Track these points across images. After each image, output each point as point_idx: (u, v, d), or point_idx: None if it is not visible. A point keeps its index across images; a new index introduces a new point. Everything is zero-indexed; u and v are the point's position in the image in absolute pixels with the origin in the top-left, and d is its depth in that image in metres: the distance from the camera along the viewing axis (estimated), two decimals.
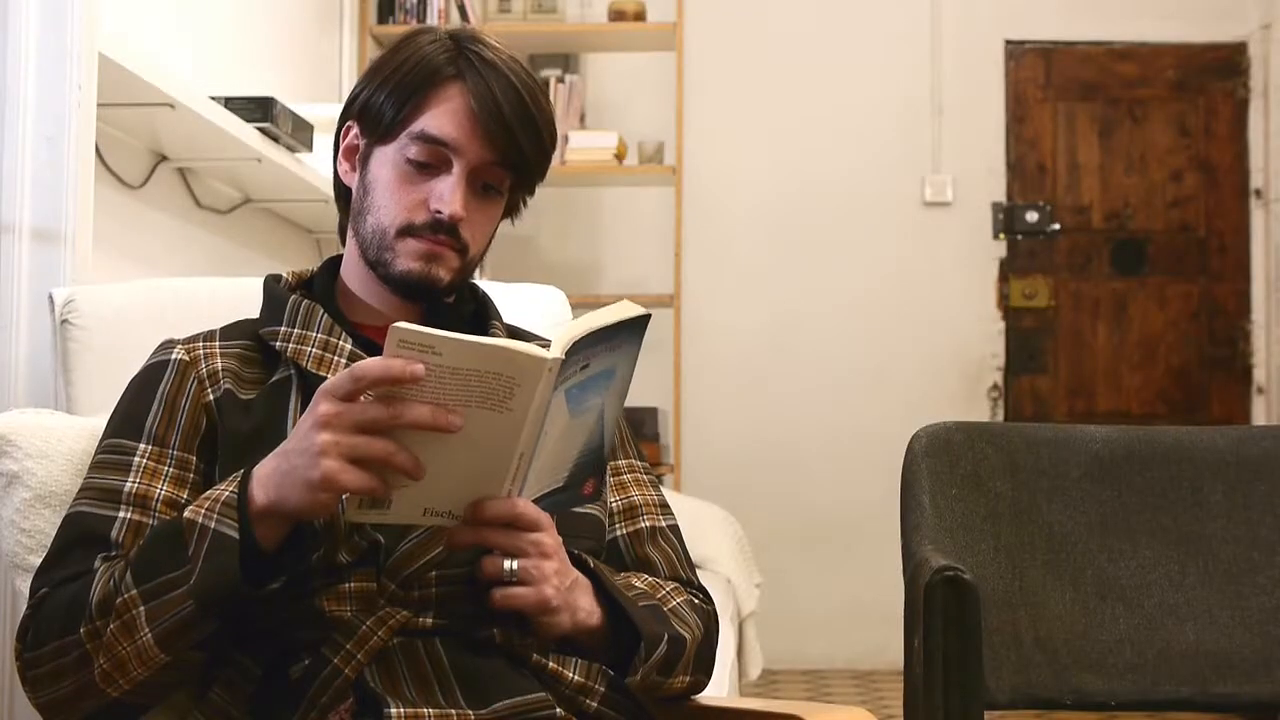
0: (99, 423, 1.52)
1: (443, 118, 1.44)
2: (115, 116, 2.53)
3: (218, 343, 1.49)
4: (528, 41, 5.04)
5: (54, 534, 1.42)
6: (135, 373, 1.50)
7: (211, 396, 1.44)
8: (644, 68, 5.36)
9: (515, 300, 1.80)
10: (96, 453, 1.45)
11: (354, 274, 1.53)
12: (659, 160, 4.98)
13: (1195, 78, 5.44)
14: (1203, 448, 1.91)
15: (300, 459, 1.24)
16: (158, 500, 1.39)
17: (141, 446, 1.42)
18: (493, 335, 1.49)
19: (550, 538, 1.35)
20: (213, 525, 1.27)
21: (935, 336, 5.39)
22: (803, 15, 5.48)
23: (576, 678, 1.39)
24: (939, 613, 1.67)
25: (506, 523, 1.31)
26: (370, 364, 1.21)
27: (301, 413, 1.34)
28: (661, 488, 1.63)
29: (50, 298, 1.81)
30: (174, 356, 1.47)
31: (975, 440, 1.88)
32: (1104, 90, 5.46)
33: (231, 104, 2.74)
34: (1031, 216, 5.40)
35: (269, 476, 1.27)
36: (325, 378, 1.37)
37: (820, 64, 5.46)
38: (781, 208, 5.45)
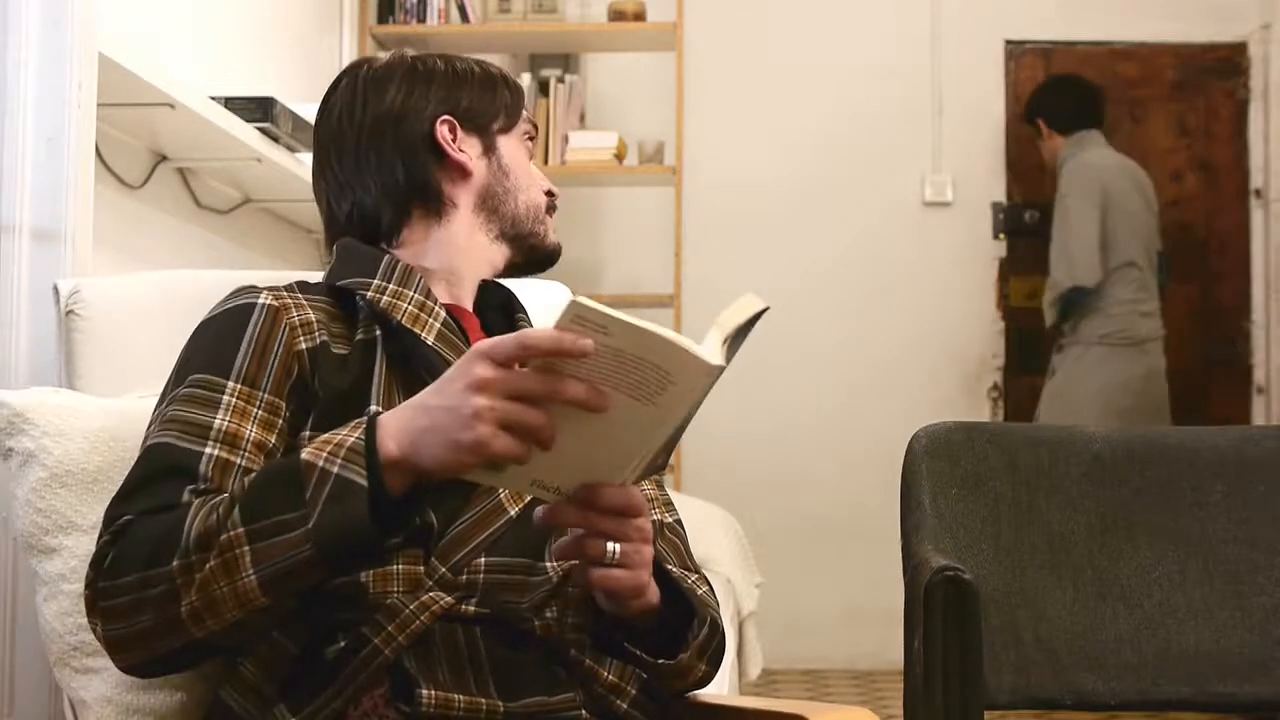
0: (118, 403, 1.51)
1: None
2: (115, 116, 2.53)
3: (302, 295, 1.47)
4: (528, 41, 5.04)
5: (77, 507, 1.42)
6: (210, 315, 1.46)
7: (304, 345, 1.42)
8: (644, 68, 5.36)
9: (518, 294, 1.79)
10: (177, 386, 1.40)
11: (457, 251, 1.55)
12: (659, 160, 4.98)
13: (1195, 78, 5.44)
14: (1203, 448, 1.91)
15: (450, 418, 1.19)
16: (248, 441, 1.36)
17: (231, 385, 1.38)
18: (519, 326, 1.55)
19: (648, 523, 1.33)
20: (335, 470, 1.22)
21: (935, 336, 5.39)
22: (803, 15, 5.48)
23: (611, 677, 1.40)
24: (939, 613, 1.67)
25: (619, 511, 1.29)
26: (540, 334, 1.17)
27: (387, 377, 1.39)
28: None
29: (55, 289, 1.80)
30: (261, 301, 1.44)
31: (975, 440, 1.88)
32: (1104, 90, 5.45)
33: (231, 104, 2.75)
34: (1031, 216, 5.40)
35: (403, 430, 1.22)
36: (418, 335, 1.41)
37: (820, 64, 5.46)
38: (781, 207, 5.45)
